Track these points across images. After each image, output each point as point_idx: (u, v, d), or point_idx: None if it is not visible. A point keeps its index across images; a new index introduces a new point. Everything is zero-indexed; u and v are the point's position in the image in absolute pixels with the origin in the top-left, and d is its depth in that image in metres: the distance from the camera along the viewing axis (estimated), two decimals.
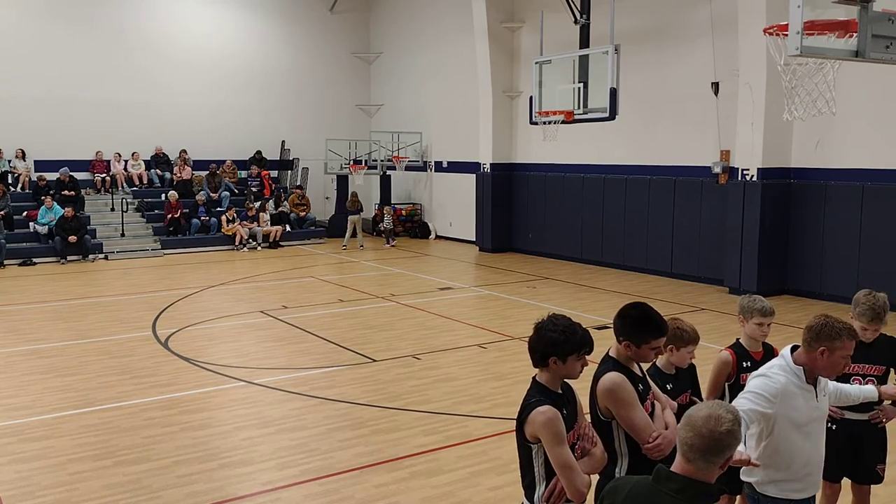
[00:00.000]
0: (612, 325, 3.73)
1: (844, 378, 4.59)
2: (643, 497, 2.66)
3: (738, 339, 4.66)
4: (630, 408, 3.49)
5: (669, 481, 2.60)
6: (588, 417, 3.63)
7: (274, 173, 23.43)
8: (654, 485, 2.64)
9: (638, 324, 3.58)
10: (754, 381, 3.72)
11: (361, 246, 20.39)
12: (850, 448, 4.64)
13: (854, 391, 4.30)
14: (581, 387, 3.58)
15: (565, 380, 3.45)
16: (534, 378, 3.45)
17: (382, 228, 21.37)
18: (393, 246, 20.71)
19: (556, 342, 3.31)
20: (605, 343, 3.78)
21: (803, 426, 3.67)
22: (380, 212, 22.09)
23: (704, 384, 4.64)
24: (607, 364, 3.59)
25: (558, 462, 3.24)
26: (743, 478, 3.83)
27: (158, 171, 21.81)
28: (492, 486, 5.83)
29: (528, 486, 3.42)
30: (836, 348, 3.59)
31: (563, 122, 13.84)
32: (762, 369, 3.79)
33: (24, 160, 20.07)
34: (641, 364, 3.74)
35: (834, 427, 4.57)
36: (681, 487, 2.57)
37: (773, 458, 3.68)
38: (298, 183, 23.11)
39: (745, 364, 4.51)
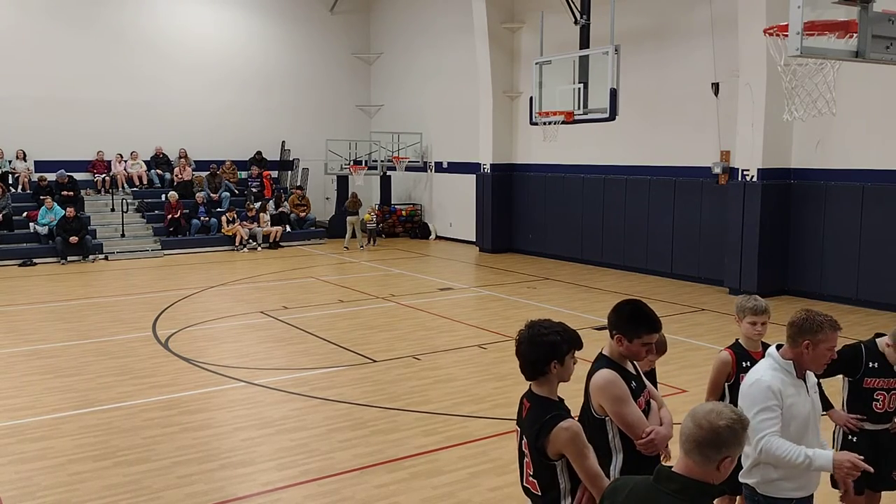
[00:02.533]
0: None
1: (868, 393, 4.54)
2: (644, 497, 2.65)
3: (737, 340, 4.67)
4: (623, 404, 3.51)
5: (670, 481, 2.59)
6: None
7: (274, 173, 23.44)
8: (654, 485, 2.63)
9: (631, 319, 3.61)
10: (752, 393, 3.67)
11: (362, 247, 20.40)
12: (872, 458, 4.57)
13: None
14: (575, 388, 3.57)
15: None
16: (533, 395, 3.37)
17: (368, 229, 21.31)
18: (366, 247, 20.53)
19: (556, 343, 3.28)
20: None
21: (803, 422, 3.67)
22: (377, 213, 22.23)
23: (705, 384, 4.65)
24: (601, 362, 3.62)
25: (589, 473, 3.20)
26: (741, 479, 3.83)
27: (159, 172, 21.81)
28: (492, 487, 5.83)
29: (552, 502, 3.35)
30: (820, 341, 3.62)
31: (563, 122, 13.83)
32: (751, 375, 3.77)
33: (25, 161, 20.07)
34: (634, 361, 3.76)
35: (855, 439, 4.54)
36: (681, 487, 2.56)
37: None
38: (298, 183, 23.11)
39: (744, 364, 4.51)
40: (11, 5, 19.87)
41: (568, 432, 3.19)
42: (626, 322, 3.60)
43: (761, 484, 3.73)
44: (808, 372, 3.78)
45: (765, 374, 3.70)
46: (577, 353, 3.38)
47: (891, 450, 4.65)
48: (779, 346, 3.80)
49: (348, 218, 20.25)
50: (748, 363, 4.52)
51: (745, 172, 13.75)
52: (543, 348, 3.27)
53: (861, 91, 12.05)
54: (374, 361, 9.41)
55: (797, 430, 3.67)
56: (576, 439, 3.19)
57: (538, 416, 3.27)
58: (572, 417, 3.29)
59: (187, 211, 20.26)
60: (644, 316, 3.62)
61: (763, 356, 4.60)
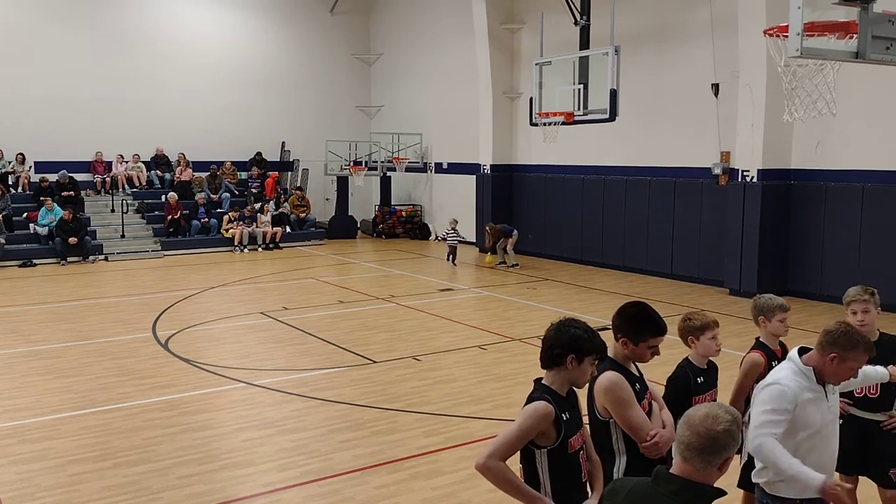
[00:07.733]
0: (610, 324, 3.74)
1: None
2: (642, 498, 2.66)
3: (758, 339, 4.64)
4: (627, 407, 3.52)
5: (668, 483, 2.59)
6: (586, 419, 3.63)
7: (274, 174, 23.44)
8: (652, 486, 2.64)
9: (636, 321, 3.62)
10: (766, 394, 3.66)
11: (505, 264, 17.26)
12: (862, 445, 4.57)
13: (872, 373, 4.27)
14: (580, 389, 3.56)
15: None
16: (538, 381, 3.39)
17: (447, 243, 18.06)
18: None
19: (581, 339, 3.27)
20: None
21: (817, 429, 3.66)
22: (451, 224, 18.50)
23: (731, 387, 4.59)
24: (605, 364, 3.60)
25: (504, 451, 3.25)
26: (754, 479, 3.81)
27: (159, 172, 21.81)
28: (492, 488, 5.76)
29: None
30: (849, 358, 3.60)
31: (563, 123, 13.84)
32: (770, 378, 3.76)
33: (23, 164, 20.00)
34: (639, 363, 3.76)
35: (841, 422, 4.55)
36: (679, 489, 2.56)
37: None
38: (298, 184, 23.10)
39: (773, 364, 4.52)
40: (11, 5, 19.86)
41: (527, 410, 3.21)
42: (631, 325, 3.61)
43: (772, 483, 3.71)
44: None
45: (784, 377, 3.66)
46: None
47: (886, 445, 4.58)
48: (801, 350, 3.76)
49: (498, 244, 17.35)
50: (775, 362, 4.54)
51: (745, 173, 13.76)
52: (566, 337, 3.28)
53: (861, 91, 12.06)
54: (375, 362, 9.41)
55: (807, 439, 3.65)
56: (526, 416, 3.20)
57: (528, 399, 3.30)
58: (563, 413, 3.25)
59: (187, 212, 20.26)
60: (649, 319, 3.62)
61: (782, 354, 4.63)
